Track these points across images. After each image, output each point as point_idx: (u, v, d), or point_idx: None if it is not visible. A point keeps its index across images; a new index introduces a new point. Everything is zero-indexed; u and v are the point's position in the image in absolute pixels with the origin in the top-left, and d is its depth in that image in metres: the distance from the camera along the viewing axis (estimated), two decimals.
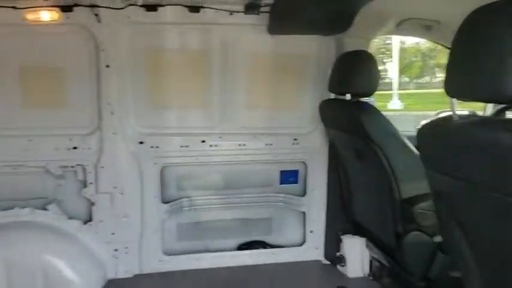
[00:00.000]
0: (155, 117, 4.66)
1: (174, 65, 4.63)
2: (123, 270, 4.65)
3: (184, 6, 4.29)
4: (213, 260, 4.90)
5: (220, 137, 4.81)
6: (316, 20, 4.19)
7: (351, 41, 4.49)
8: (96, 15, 4.12)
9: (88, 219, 4.60)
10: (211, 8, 4.34)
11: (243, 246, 5.14)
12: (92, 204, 4.54)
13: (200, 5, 4.31)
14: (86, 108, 4.45)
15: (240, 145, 4.86)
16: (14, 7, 3.93)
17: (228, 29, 4.54)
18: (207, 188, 5.00)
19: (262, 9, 4.33)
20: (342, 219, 4.90)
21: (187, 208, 4.96)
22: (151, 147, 4.63)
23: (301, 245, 5.17)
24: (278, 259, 5.04)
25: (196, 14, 4.34)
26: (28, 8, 3.95)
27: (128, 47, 4.38)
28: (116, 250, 4.65)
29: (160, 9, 4.26)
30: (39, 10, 3.98)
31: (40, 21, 4.04)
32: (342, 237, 4.79)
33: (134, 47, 4.42)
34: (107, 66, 4.32)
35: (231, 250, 5.08)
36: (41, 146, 4.39)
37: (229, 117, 4.82)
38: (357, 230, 4.71)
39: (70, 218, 4.55)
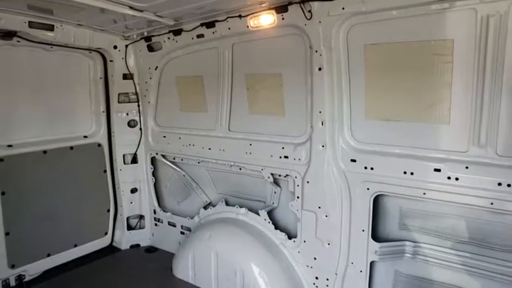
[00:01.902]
0: (373, 132, 3.63)
1: (406, 65, 3.35)
2: None
3: None
4: None
5: (467, 168, 3.20)
6: None
7: None
8: (309, 11, 3.59)
9: (293, 235, 4.28)
10: None
11: None
12: (298, 220, 4.17)
13: None
14: (299, 116, 4.06)
15: (499, 184, 3.06)
16: (239, 16, 4.03)
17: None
18: (443, 236, 3.50)
19: None
20: None
21: (409, 255, 3.67)
22: (365, 167, 3.67)
23: None
24: None
25: None
26: (250, 14, 3.93)
27: (343, 45, 3.58)
28: (316, 278, 4.10)
29: None
30: (259, 15, 3.88)
31: (259, 26, 3.96)
32: None
33: (351, 44, 3.56)
34: (319, 69, 3.72)
35: None
36: (259, 151, 4.42)
37: (489, 141, 3.10)
38: None
39: (277, 228, 4.39)
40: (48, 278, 4.92)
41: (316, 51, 3.69)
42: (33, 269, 4.87)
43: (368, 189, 3.67)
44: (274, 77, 4.15)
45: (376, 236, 3.76)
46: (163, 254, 5.53)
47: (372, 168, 3.63)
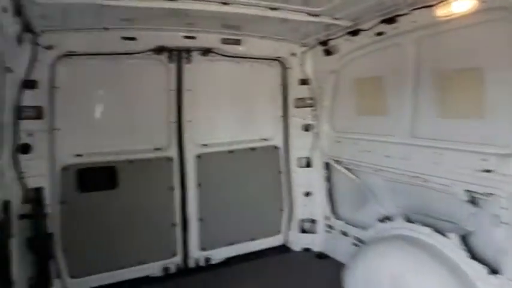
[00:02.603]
0: None
1: None
2: None
3: None
4: None
5: None
6: None
7: None
8: None
9: (496, 270, 3.42)
10: None
11: None
12: (504, 252, 3.30)
13: None
14: (508, 120, 3.22)
15: None
16: (426, 6, 3.48)
17: None
18: None
19: None
20: None
21: None
22: None
23: None
24: None
25: None
26: (440, 3, 3.34)
27: None
28: None
29: None
30: (451, 1, 3.26)
31: (452, 14, 3.31)
32: None
33: None
34: None
35: None
36: (450, 161, 3.72)
37: None
38: None
39: (473, 258, 3.59)
40: (228, 265, 5.47)
41: None
42: (218, 255, 5.50)
43: None
44: (471, 72, 3.42)
45: None
46: (334, 262, 5.37)
47: None
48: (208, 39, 4.95)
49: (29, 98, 4.15)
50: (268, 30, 4.88)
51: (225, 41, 5.07)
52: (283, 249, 5.94)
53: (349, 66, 4.99)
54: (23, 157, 4.15)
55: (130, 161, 4.94)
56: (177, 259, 5.29)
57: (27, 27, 3.83)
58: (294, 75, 5.72)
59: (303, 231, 5.93)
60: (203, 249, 5.43)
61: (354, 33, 4.58)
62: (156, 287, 4.96)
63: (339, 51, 5.02)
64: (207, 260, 5.46)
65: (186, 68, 5.15)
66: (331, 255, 5.58)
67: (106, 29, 4.37)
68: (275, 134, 5.92)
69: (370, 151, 4.74)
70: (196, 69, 5.21)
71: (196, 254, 5.41)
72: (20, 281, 3.81)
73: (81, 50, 4.48)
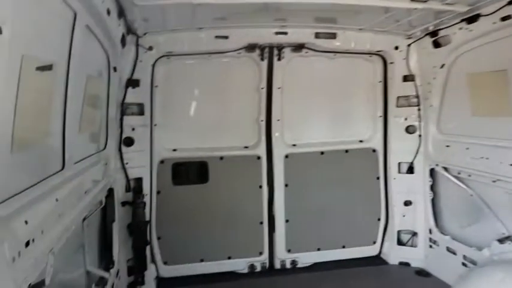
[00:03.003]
0: None
1: None
2: None
3: None
4: None
5: None
6: None
7: None
8: None
9: None
10: None
11: None
12: None
13: None
14: None
15: None
16: None
17: None
18: None
19: None
20: None
21: None
22: None
23: None
24: None
25: None
26: None
27: None
28: None
29: None
30: None
31: None
32: None
33: None
34: None
35: None
36: None
37: None
38: None
39: None
40: (316, 270, 5.23)
41: None
42: (305, 258, 5.32)
43: None
44: None
45: None
46: (437, 282, 4.75)
47: None
48: (301, 34, 4.78)
49: (132, 96, 4.53)
50: (368, 21, 4.45)
51: (319, 35, 4.82)
52: (378, 260, 5.47)
53: (463, 60, 4.34)
54: (126, 149, 4.54)
55: (221, 158, 5.07)
56: (263, 258, 5.27)
57: (129, 30, 4.16)
58: (397, 71, 5.19)
59: (401, 243, 5.37)
60: (289, 251, 5.31)
61: (472, 19, 3.93)
62: (242, 283, 4.98)
63: (451, 42, 4.39)
64: (294, 262, 5.32)
65: (277, 65, 5.07)
66: (434, 273, 4.94)
67: (200, 28, 4.52)
68: (373, 136, 5.48)
69: (488, 158, 4.03)
70: (287, 66, 5.10)
71: (283, 255, 5.31)
72: (120, 262, 4.18)
73: (178, 50, 4.72)
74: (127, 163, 4.54)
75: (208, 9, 3.77)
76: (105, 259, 3.94)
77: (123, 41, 4.06)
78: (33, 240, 1.88)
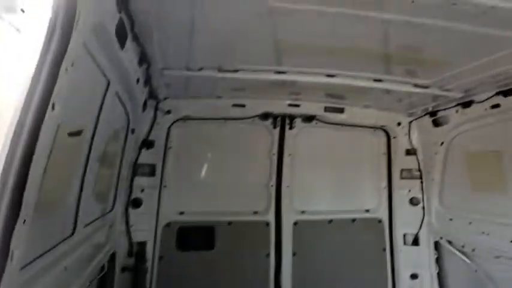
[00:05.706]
0: None
1: None
2: None
3: None
4: None
5: None
6: None
7: None
8: None
9: None
10: None
11: None
12: None
13: None
14: None
15: None
16: None
17: None
18: None
19: None
20: None
21: None
22: None
23: None
24: None
25: None
26: None
27: None
28: None
29: None
30: None
31: None
32: None
33: None
34: None
35: None
36: None
37: None
38: None
39: None
40: None
41: None
42: None
43: None
44: None
45: None
46: None
47: None
48: (312, 107, 5.09)
49: (146, 156, 4.62)
50: (372, 99, 4.85)
51: (328, 109, 5.15)
52: None
53: (460, 138, 4.63)
54: (133, 211, 4.53)
55: (229, 223, 5.08)
56: None
57: (151, 95, 4.36)
58: (400, 145, 5.47)
59: None
60: None
61: (466, 104, 4.31)
62: None
63: (448, 123, 4.72)
64: None
65: (288, 133, 5.33)
66: None
67: (219, 97, 4.77)
68: (378, 206, 5.58)
69: (488, 234, 4.15)
70: (298, 135, 5.36)
71: None
72: None
73: (195, 115, 4.94)
74: (132, 226, 4.51)
75: (229, 81, 4.04)
76: None
77: (145, 106, 4.27)
78: None
